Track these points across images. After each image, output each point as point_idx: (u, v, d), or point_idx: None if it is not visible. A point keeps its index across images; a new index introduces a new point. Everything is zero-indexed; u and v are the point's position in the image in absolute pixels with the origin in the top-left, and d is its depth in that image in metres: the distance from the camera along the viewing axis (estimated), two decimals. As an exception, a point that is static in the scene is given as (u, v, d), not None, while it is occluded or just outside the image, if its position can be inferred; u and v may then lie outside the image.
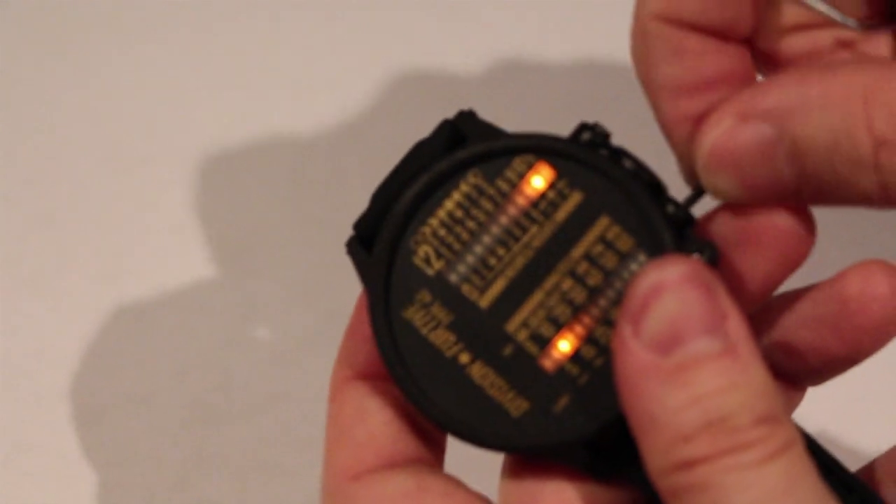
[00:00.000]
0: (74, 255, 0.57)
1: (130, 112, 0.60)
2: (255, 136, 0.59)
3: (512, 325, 0.35)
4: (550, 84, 0.60)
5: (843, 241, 0.53)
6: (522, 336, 0.34)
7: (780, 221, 0.35)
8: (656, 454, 0.31)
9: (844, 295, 0.36)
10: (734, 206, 0.35)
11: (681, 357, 0.31)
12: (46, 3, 0.63)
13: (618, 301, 0.34)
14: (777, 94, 0.33)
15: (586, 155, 0.34)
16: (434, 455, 0.37)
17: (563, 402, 0.34)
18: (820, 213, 0.36)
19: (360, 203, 0.36)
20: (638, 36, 0.35)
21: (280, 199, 0.58)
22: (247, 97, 0.60)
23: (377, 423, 0.36)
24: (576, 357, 0.34)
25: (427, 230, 0.35)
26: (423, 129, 0.36)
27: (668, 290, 0.31)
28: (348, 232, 0.36)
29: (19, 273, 0.57)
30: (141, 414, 0.54)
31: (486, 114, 0.36)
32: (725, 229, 0.36)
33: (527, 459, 0.36)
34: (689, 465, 0.30)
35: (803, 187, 0.34)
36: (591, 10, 0.62)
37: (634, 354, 0.31)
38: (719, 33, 0.35)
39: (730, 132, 0.33)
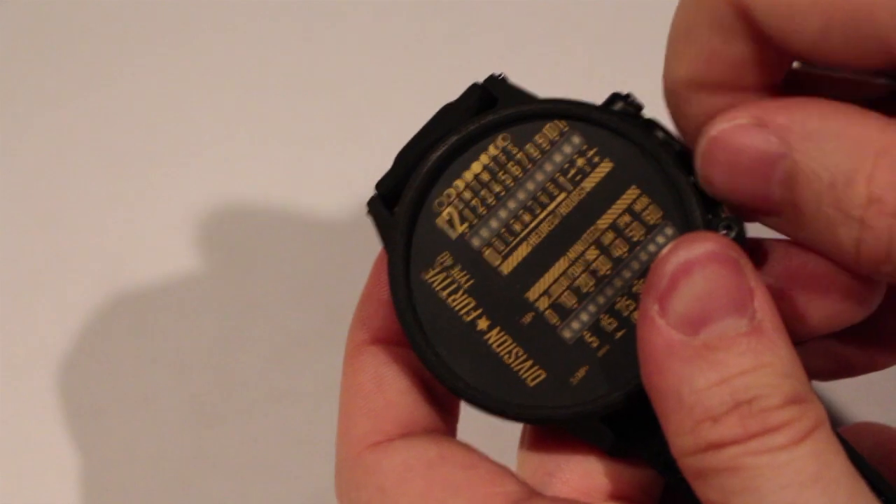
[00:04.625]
0: (74, 255, 0.57)
1: (131, 112, 0.60)
2: (255, 136, 0.60)
3: (533, 293, 0.34)
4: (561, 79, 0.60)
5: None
6: (543, 305, 0.34)
7: (852, 281, 0.34)
8: (682, 434, 0.31)
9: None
10: (804, 247, 0.35)
11: (709, 336, 0.30)
12: (48, 3, 0.63)
13: (642, 273, 0.34)
14: (799, 115, 0.32)
15: (618, 124, 0.34)
16: (449, 423, 0.37)
17: (582, 373, 0.34)
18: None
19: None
20: (669, 97, 0.35)
21: (280, 198, 0.58)
22: (247, 97, 0.60)
23: (395, 391, 0.35)
24: (596, 328, 0.34)
25: (452, 192, 0.35)
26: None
27: (697, 268, 0.31)
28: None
29: (19, 273, 0.57)
30: (141, 413, 0.54)
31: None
32: (793, 264, 0.35)
33: (544, 431, 0.36)
34: (717, 446, 0.30)
35: (785, 214, 0.33)
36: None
37: (661, 333, 0.31)
38: (750, 87, 0.34)
39: (740, 129, 0.33)
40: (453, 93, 0.36)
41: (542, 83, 0.57)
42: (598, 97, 0.35)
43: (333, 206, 0.57)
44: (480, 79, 0.35)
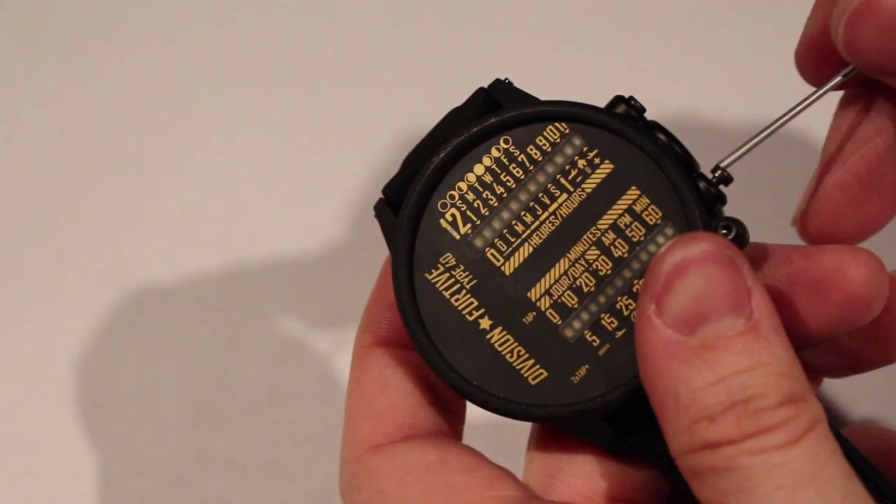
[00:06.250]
0: (74, 255, 0.57)
1: (131, 112, 0.60)
2: (254, 136, 0.60)
3: (535, 293, 0.35)
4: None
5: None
6: (545, 304, 0.34)
7: (853, 275, 0.34)
8: (679, 434, 0.31)
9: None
10: (806, 248, 0.35)
11: (705, 336, 0.30)
12: (48, 3, 0.63)
13: (643, 273, 0.34)
14: None
15: (619, 126, 0.34)
16: (454, 426, 0.37)
17: (583, 372, 0.34)
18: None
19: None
20: None
21: (281, 198, 0.58)
22: (247, 97, 0.61)
23: (398, 394, 0.36)
24: (597, 327, 0.34)
25: (455, 193, 0.35)
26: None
27: (693, 267, 0.31)
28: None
29: (19, 273, 0.57)
30: (141, 413, 0.54)
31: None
32: (795, 269, 0.35)
33: (550, 431, 0.36)
34: (713, 446, 0.30)
35: None
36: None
37: (658, 332, 0.31)
38: None
39: None
40: (456, 94, 0.36)
41: (553, 83, 0.57)
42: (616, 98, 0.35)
43: (334, 206, 0.57)
44: (492, 81, 0.35)
